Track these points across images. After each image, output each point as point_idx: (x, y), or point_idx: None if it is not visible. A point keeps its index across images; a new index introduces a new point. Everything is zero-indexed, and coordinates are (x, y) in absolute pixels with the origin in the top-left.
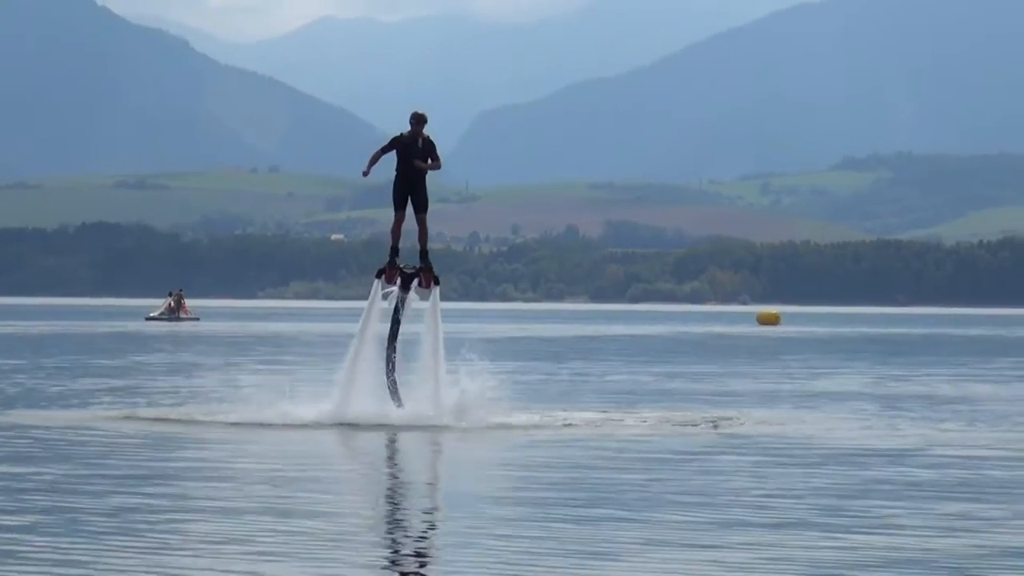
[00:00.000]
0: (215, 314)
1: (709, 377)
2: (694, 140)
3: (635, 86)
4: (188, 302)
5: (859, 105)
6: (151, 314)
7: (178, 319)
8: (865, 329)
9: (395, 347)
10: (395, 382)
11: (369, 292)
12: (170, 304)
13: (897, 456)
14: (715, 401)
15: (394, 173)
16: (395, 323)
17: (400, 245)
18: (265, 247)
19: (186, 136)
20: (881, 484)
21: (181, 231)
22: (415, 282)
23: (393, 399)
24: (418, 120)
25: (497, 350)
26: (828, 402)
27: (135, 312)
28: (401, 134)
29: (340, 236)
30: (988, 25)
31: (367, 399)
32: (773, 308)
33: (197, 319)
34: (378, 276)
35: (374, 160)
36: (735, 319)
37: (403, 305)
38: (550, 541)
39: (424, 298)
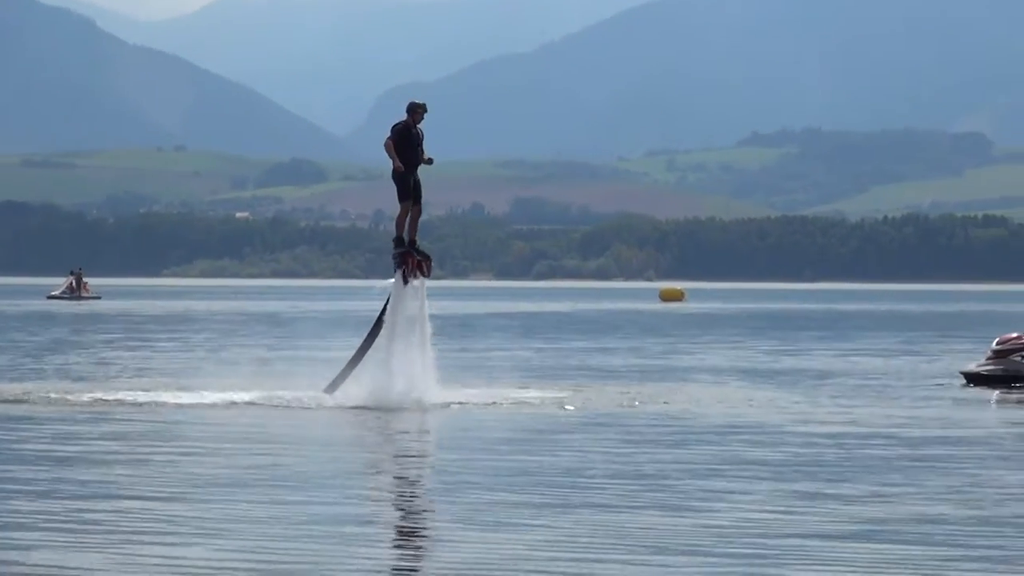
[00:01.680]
0: (118, 292)
1: (591, 353)
2: (602, 117)
3: (543, 63)
4: (91, 281)
5: (767, 82)
6: (53, 292)
7: (79, 297)
8: (768, 305)
9: (372, 343)
10: (346, 374)
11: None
12: (71, 283)
13: (758, 432)
14: (591, 376)
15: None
16: (380, 322)
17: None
18: (170, 225)
19: (93, 115)
20: (729, 462)
21: (87, 210)
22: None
23: (333, 386)
24: (415, 109)
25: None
26: (708, 377)
27: (40, 291)
28: (407, 122)
29: (245, 214)
30: (895, 4)
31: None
32: (677, 284)
33: (98, 297)
34: (400, 267)
35: (396, 154)
36: (639, 295)
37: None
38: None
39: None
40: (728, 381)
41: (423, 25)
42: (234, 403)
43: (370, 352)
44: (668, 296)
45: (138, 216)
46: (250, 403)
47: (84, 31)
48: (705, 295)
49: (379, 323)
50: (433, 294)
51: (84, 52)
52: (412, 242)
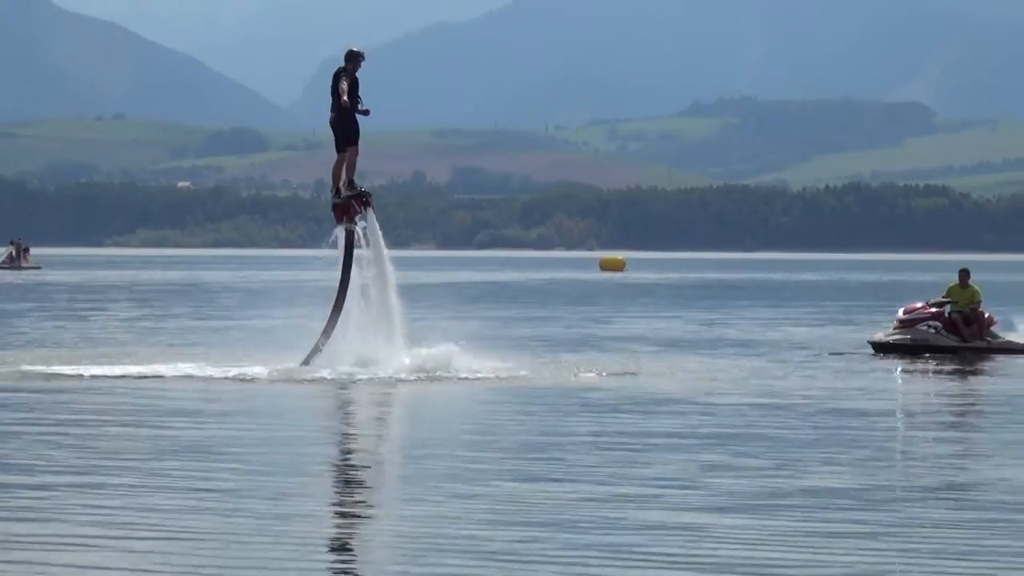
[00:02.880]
0: (59, 263)
1: (511, 323)
2: (541, 86)
3: (481, 31)
4: (33, 251)
5: (706, 50)
6: None
7: (19, 268)
8: (708, 275)
9: (339, 313)
10: (319, 347)
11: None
12: (11, 253)
13: (662, 403)
14: (503, 346)
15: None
16: (344, 284)
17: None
18: (111, 195)
19: (33, 83)
20: (633, 434)
21: (27, 179)
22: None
23: (309, 357)
24: (353, 57)
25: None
26: (625, 347)
27: None
28: (345, 68)
29: (186, 183)
30: None
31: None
32: (618, 254)
33: (39, 268)
34: (341, 220)
35: (353, 101)
36: (580, 265)
37: (360, 238)
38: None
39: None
40: (646, 351)
41: None
42: (213, 377)
43: (340, 320)
44: (608, 266)
45: (78, 185)
46: (232, 377)
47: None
48: (646, 265)
49: (343, 289)
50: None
51: (22, 20)
52: (351, 182)
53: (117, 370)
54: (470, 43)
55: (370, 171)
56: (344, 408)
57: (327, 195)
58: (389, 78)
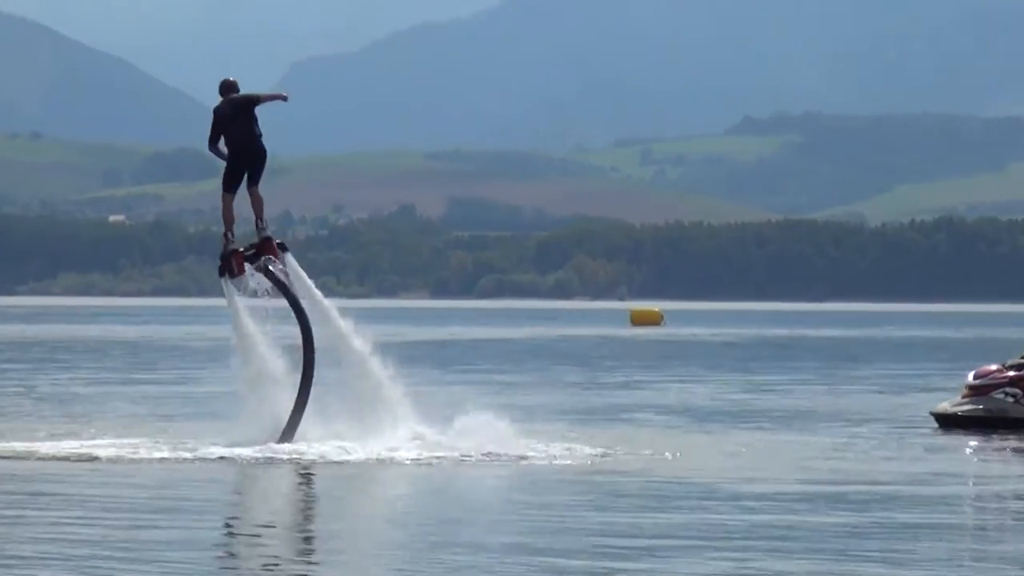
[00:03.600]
0: None
1: (511, 388)
2: (555, 98)
3: (480, 32)
4: None
5: (759, 55)
6: None
7: None
8: (765, 330)
9: (311, 379)
10: (296, 421)
11: (224, 296)
12: None
13: (695, 492)
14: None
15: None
16: (308, 339)
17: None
18: (27, 231)
19: None
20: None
21: None
22: (264, 260)
23: (285, 436)
24: (225, 88)
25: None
26: (654, 419)
27: None
28: (221, 103)
29: (120, 217)
30: None
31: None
32: (653, 305)
33: None
34: (223, 274)
35: (218, 152)
36: (607, 318)
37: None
38: None
39: (277, 272)
40: (679, 424)
41: None
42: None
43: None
44: (641, 319)
45: None
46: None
47: None
48: (688, 318)
49: (309, 357)
50: (360, 318)
51: None
52: (261, 224)
53: (48, 447)
54: (469, 45)
55: (348, 202)
56: (440, 505)
57: (294, 231)
58: (369, 89)
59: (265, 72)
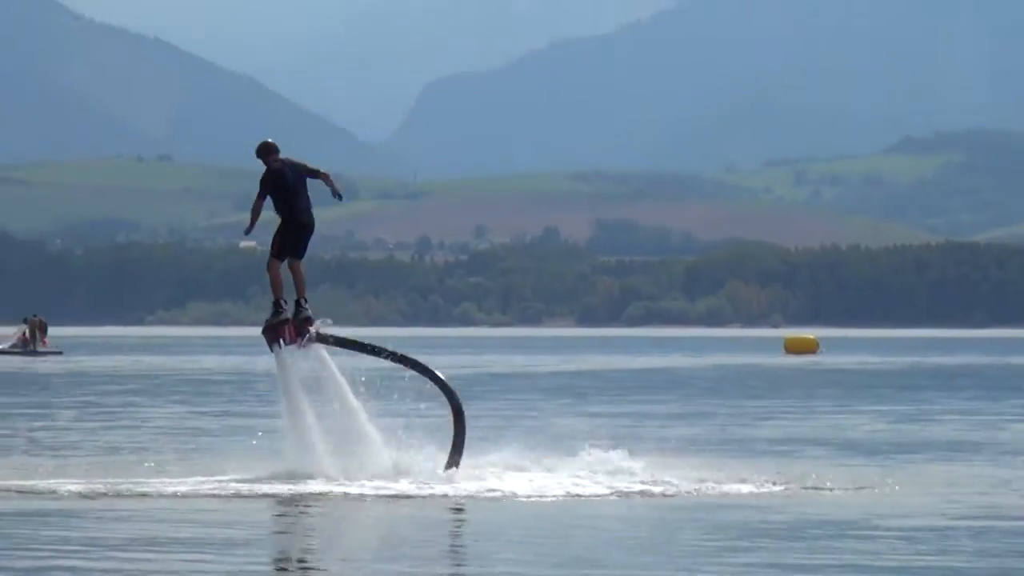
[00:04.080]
0: (87, 345)
1: (657, 419)
2: (705, 116)
3: (627, 48)
4: (52, 330)
5: (918, 72)
6: (0, 346)
7: (34, 352)
8: (926, 358)
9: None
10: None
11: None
12: (24, 334)
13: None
14: (648, 446)
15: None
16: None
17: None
18: (154, 259)
19: (50, 115)
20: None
21: (46, 238)
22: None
23: (451, 463)
24: (268, 150)
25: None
26: (810, 452)
27: None
28: (270, 166)
29: (252, 243)
30: None
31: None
32: (808, 332)
33: (59, 353)
34: (278, 340)
35: (256, 214)
36: (760, 346)
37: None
38: None
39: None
40: (837, 457)
41: (469, 2)
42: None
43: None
44: (796, 347)
45: (113, 247)
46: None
47: (38, 7)
48: (845, 346)
49: (443, 383)
50: (487, 345)
51: (37, 33)
52: (299, 302)
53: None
54: (613, 63)
55: (490, 226)
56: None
57: (433, 256)
58: (511, 109)
59: (400, 91)
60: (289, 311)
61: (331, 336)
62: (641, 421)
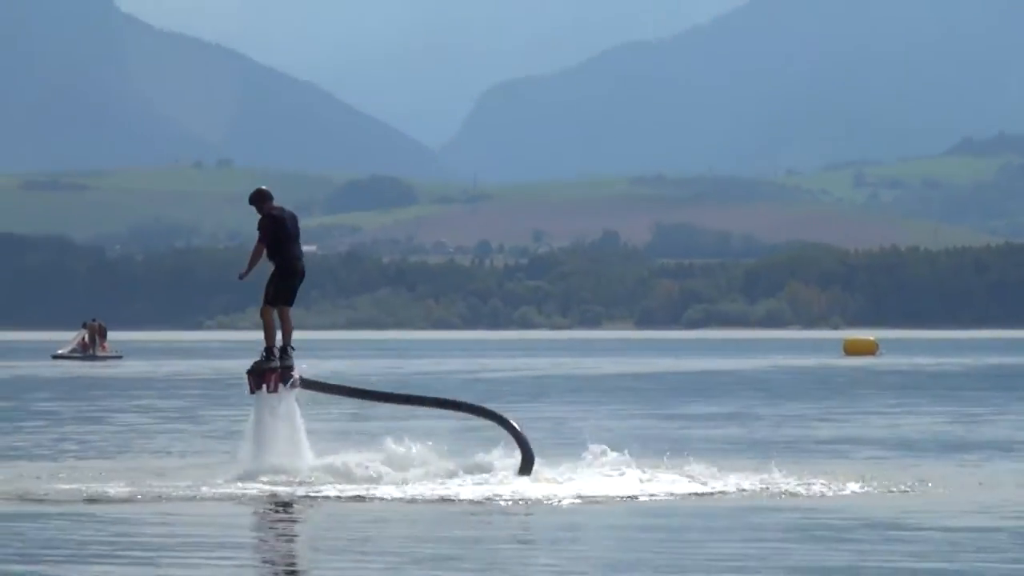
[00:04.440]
0: (146, 350)
1: (720, 421)
2: (765, 120)
3: (687, 51)
4: (113, 335)
5: (976, 73)
6: (59, 351)
7: (94, 357)
8: (983, 359)
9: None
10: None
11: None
12: (83, 339)
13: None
14: (713, 451)
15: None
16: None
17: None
18: (214, 264)
19: (110, 122)
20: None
21: (106, 244)
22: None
23: (525, 468)
24: (262, 197)
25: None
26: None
27: (44, 349)
28: (271, 213)
29: (312, 248)
30: None
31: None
32: (867, 334)
33: (119, 357)
34: (260, 387)
35: (256, 260)
36: (819, 347)
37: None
38: None
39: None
40: (895, 457)
41: (530, 5)
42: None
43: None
44: (855, 349)
45: (173, 252)
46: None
47: (98, 13)
48: (905, 347)
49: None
50: (545, 348)
51: (98, 40)
52: (285, 348)
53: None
54: (674, 68)
55: (549, 230)
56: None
57: (493, 260)
58: (569, 110)
59: (460, 96)
60: (277, 360)
61: (315, 382)
62: (699, 423)
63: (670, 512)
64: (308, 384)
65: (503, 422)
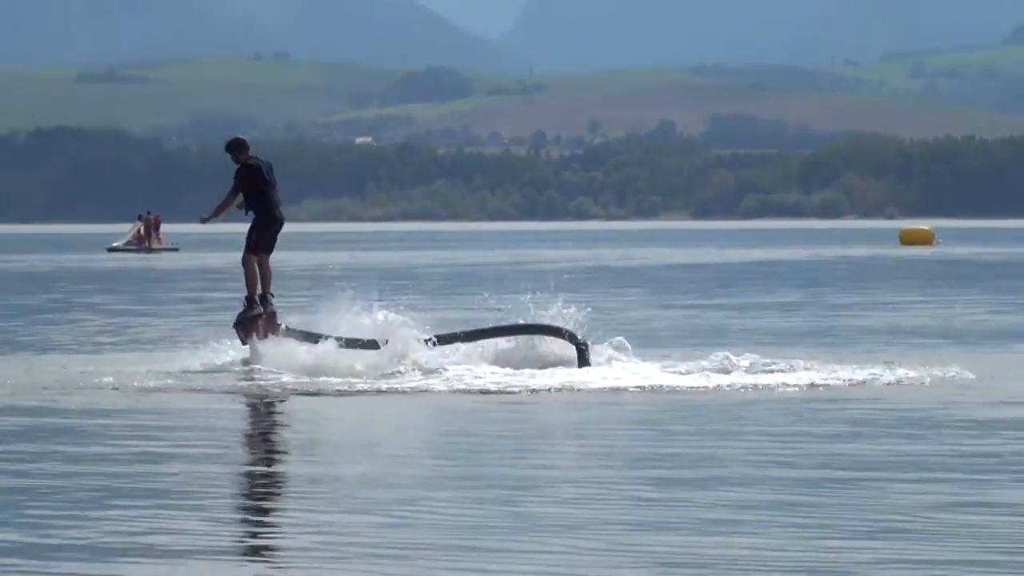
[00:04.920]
0: (202, 242)
1: (756, 311)
2: (823, 9)
3: None
4: (169, 227)
5: None
6: (114, 244)
7: (149, 249)
8: None
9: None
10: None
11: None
12: (139, 231)
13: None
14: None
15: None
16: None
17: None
18: (271, 155)
19: (167, 14)
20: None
21: (163, 136)
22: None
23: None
24: (240, 147)
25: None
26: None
27: (99, 241)
28: (248, 163)
29: (367, 139)
30: None
31: None
32: (923, 224)
33: (175, 249)
34: (251, 334)
35: (225, 208)
36: (875, 237)
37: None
38: None
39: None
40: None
41: None
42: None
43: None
44: (911, 239)
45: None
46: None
47: None
48: (961, 236)
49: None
50: (601, 238)
51: None
52: (264, 296)
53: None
54: None
55: (605, 120)
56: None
57: (548, 151)
58: (626, 3)
59: None
60: (260, 307)
61: (298, 331)
62: (750, 313)
63: (701, 405)
64: (291, 333)
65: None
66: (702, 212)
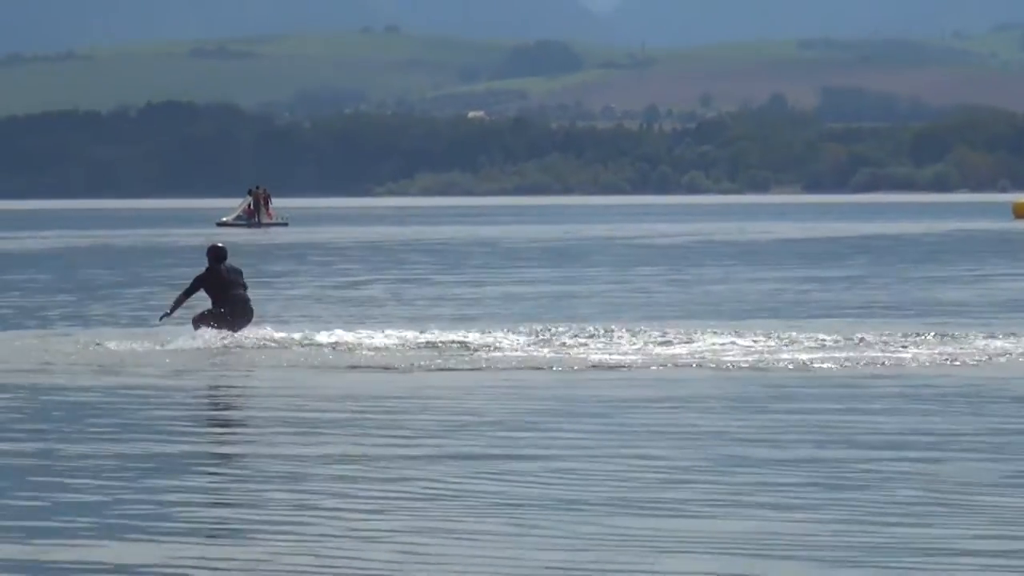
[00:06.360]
0: (313, 218)
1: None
2: None
3: None
4: (280, 202)
5: None
6: (224, 219)
7: (259, 224)
8: None
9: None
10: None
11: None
12: (248, 206)
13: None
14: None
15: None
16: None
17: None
18: (382, 130)
19: None
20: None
21: (274, 111)
22: None
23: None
24: (218, 257)
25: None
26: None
27: (210, 216)
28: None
29: (479, 113)
30: None
31: None
32: None
33: (285, 224)
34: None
35: (178, 304)
36: (988, 211)
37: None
38: None
39: None
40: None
41: None
42: None
43: None
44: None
45: (341, 118)
46: None
47: None
48: None
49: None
50: (710, 212)
51: None
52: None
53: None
54: None
55: (717, 94)
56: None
57: (660, 125)
58: None
59: None
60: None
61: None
62: (851, 286)
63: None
64: None
65: None
66: (814, 186)
